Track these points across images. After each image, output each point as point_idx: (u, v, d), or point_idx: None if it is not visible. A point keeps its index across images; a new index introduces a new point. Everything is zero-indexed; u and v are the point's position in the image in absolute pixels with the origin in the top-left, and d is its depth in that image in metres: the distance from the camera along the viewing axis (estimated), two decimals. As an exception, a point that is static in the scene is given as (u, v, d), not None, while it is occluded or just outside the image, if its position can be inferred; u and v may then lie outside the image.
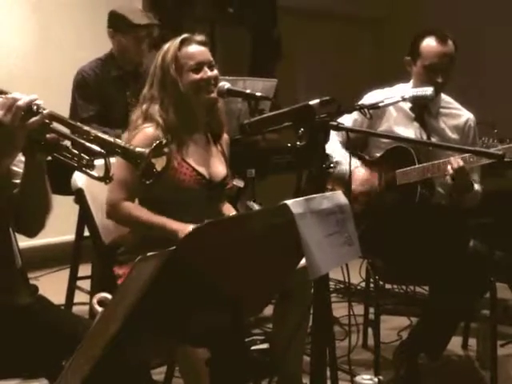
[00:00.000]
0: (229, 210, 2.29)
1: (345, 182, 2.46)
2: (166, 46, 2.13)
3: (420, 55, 2.60)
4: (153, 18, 3.36)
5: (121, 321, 0.99)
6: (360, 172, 2.65)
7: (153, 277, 0.98)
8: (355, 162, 2.63)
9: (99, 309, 1.40)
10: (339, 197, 1.40)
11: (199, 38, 2.13)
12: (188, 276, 1.11)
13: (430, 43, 2.58)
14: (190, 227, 1.97)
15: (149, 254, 0.99)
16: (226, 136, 2.29)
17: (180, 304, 1.13)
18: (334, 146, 2.51)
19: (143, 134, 2.06)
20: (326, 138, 1.68)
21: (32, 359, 1.48)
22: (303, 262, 1.43)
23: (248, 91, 2.21)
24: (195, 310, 1.18)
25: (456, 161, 2.44)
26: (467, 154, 2.44)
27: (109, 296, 1.42)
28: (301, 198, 1.27)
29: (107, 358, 1.04)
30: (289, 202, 1.22)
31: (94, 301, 1.42)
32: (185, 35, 2.11)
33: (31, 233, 1.67)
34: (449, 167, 2.46)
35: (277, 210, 1.23)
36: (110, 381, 1.16)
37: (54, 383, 1.27)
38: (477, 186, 2.62)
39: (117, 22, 3.13)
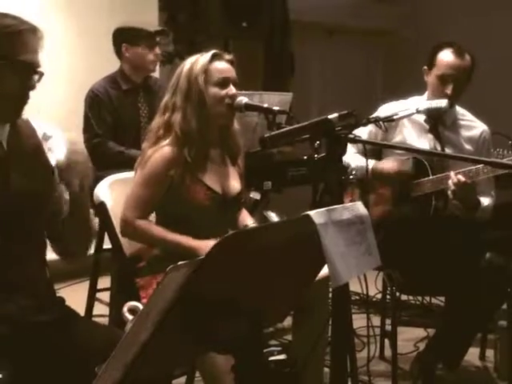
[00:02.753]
0: (244, 219, 2.31)
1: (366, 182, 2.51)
2: (192, 58, 2.15)
3: (435, 65, 2.64)
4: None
5: (152, 328, 1.02)
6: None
7: (183, 285, 1.01)
8: (371, 162, 2.66)
9: (130, 317, 1.43)
10: (359, 207, 1.43)
11: (228, 56, 2.17)
12: (214, 285, 1.14)
13: (446, 54, 2.63)
14: (208, 243, 2.00)
15: (180, 262, 1.02)
16: (241, 145, 2.28)
17: (206, 312, 1.16)
18: (350, 156, 2.54)
19: (160, 154, 2.08)
20: (344, 151, 1.71)
21: (62, 369, 1.52)
22: (321, 274, 1.46)
23: (265, 105, 2.25)
24: (220, 317, 1.21)
25: (456, 176, 2.46)
26: (479, 166, 2.46)
27: (138, 304, 1.46)
28: (323, 209, 1.29)
29: (137, 366, 1.07)
30: (311, 212, 1.25)
31: (125, 309, 1.45)
32: (215, 51, 2.15)
33: (74, 257, 1.76)
34: (449, 182, 2.48)
35: (299, 221, 1.26)
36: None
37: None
38: (487, 201, 2.63)
39: (129, 35, 3.24)
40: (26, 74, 1.58)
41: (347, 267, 1.31)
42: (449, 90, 2.59)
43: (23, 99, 1.60)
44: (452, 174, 2.47)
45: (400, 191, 2.68)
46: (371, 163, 2.63)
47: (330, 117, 1.64)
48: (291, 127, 1.76)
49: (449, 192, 2.49)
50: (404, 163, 2.62)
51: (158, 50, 3.29)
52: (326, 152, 1.65)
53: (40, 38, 1.61)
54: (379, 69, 6.51)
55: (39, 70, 1.60)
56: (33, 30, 1.59)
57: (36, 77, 1.60)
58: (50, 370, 1.52)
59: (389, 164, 2.65)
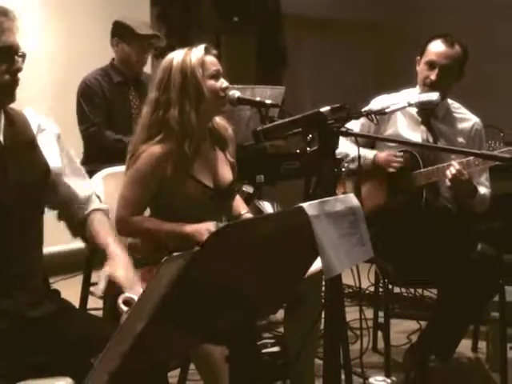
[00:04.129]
0: (238, 206, 2.32)
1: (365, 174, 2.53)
2: (180, 52, 2.12)
3: (424, 53, 2.67)
4: (155, 30, 3.50)
5: (147, 319, 1.03)
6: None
7: (178, 276, 1.02)
8: (371, 153, 2.67)
9: (125, 308, 1.44)
10: (351, 199, 1.44)
11: (214, 51, 2.17)
12: (208, 276, 1.15)
13: (435, 43, 2.67)
14: (203, 226, 2.01)
15: (174, 254, 1.03)
16: (231, 135, 2.27)
17: (200, 303, 1.17)
18: (347, 146, 2.55)
19: (152, 152, 2.06)
20: (336, 144, 1.72)
21: (58, 361, 1.52)
22: (314, 267, 1.47)
23: (258, 99, 2.26)
24: (214, 309, 1.22)
25: (453, 165, 2.49)
26: (470, 157, 2.49)
27: (133, 296, 1.46)
28: (315, 201, 1.30)
29: (132, 356, 1.08)
30: (304, 204, 1.26)
31: (120, 301, 1.46)
32: (205, 44, 2.14)
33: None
34: (447, 172, 2.50)
35: (292, 213, 1.27)
36: (131, 379, 1.19)
37: (80, 382, 1.31)
38: (483, 190, 2.65)
39: (122, 32, 3.29)
40: (8, 57, 1.56)
41: (340, 258, 1.32)
42: (433, 76, 2.62)
43: (13, 83, 1.59)
44: (454, 162, 2.49)
45: (392, 184, 2.69)
46: (372, 153, 2.65)
47: (322, 110, 1.65)
48: (284, 120, 1.76)
49: (447, 180, 2.51)
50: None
51: (147, 54, 3.32)
52: (319, 145, 1.66)
53: (13, 19, 1.58)
54: (371, 62, 6.53)
55: (21, 51, 1.59)
56: (4, 13, 1.57)
57: (19, 58, 1.58)
58: (47, 363, 1.53)
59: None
